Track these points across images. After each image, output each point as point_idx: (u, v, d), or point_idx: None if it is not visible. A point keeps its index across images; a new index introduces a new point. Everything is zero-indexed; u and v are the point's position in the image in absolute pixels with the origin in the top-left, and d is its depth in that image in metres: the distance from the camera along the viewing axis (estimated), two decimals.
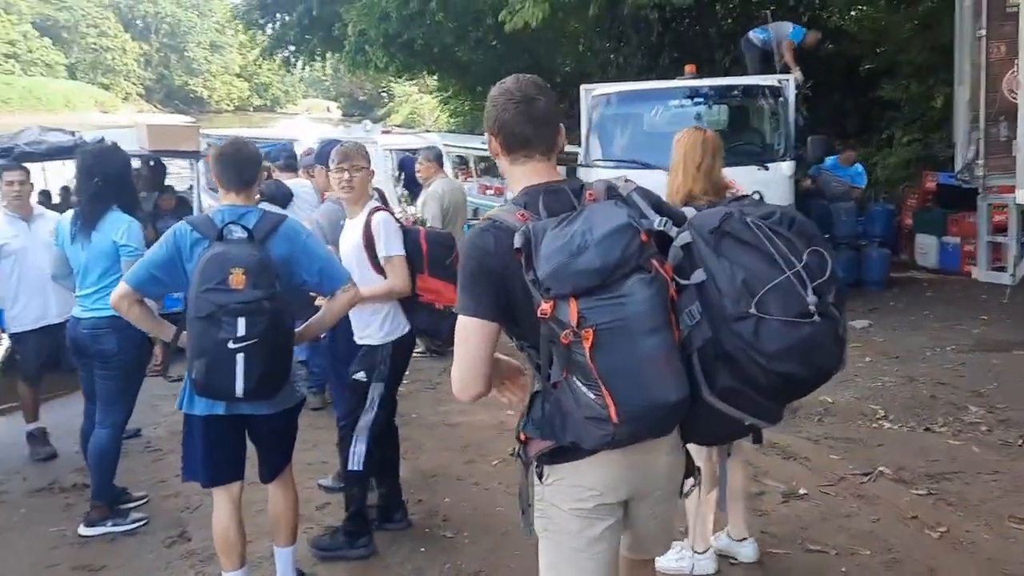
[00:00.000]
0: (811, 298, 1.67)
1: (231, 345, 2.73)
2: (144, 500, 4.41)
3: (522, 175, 1.94)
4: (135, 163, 7.19)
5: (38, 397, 5.17)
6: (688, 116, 8.23)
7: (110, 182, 4.04)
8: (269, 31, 23.30)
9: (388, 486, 4.00)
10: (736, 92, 8.30)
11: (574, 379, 1.68)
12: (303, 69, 26.79)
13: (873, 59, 13.27)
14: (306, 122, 41.57)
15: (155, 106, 74.26)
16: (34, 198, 5.36)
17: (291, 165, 6.44)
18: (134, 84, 76.10)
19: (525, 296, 1.75)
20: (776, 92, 7.82)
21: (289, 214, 3.75)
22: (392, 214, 3.72)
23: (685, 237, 1.79)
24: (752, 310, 1.66)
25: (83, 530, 4.05)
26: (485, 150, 10.28)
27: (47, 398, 5.52)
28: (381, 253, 3.55)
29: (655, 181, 7.44)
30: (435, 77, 24.63)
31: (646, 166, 7.59)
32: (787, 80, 7.95)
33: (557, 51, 20.12)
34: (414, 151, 11.77)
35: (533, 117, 1.90)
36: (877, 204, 10.45)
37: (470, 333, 1.84)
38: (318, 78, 78.03)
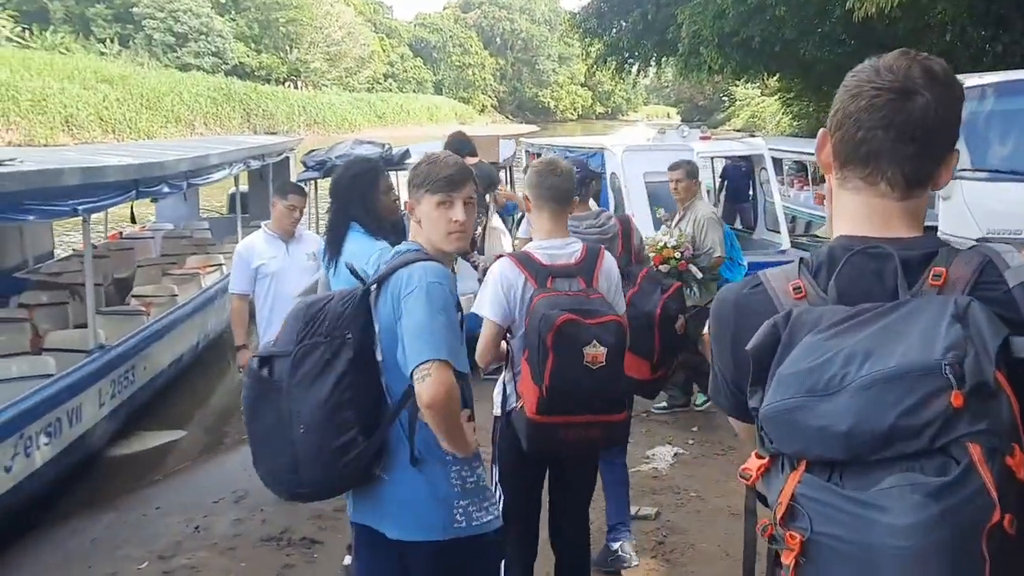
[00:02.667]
0: None
1: None
2: None
3: (847, 212, 1.18)
4: None
5: None
6: None
7: (343, 202, 3.70)
8: (606, 39, 23.52)
9: None
10: None
11: None
12: (637, 75, 26.73)
13: None
14: (644, 128, 41.85)
15: (507, 116, 79.86)
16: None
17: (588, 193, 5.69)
18: (489, 97, 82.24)
19: None
20: None
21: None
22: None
23: None
24: None
25: None
26: None
27: None
28: None
29: None
30: (775, 78, 23.22)
31: None
32: None
33: (919, 43, 17.79)
34: (740, 159, 10.80)
35: (897, 121, 1.11)
36: None
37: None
38: (660, 85, 78.73)
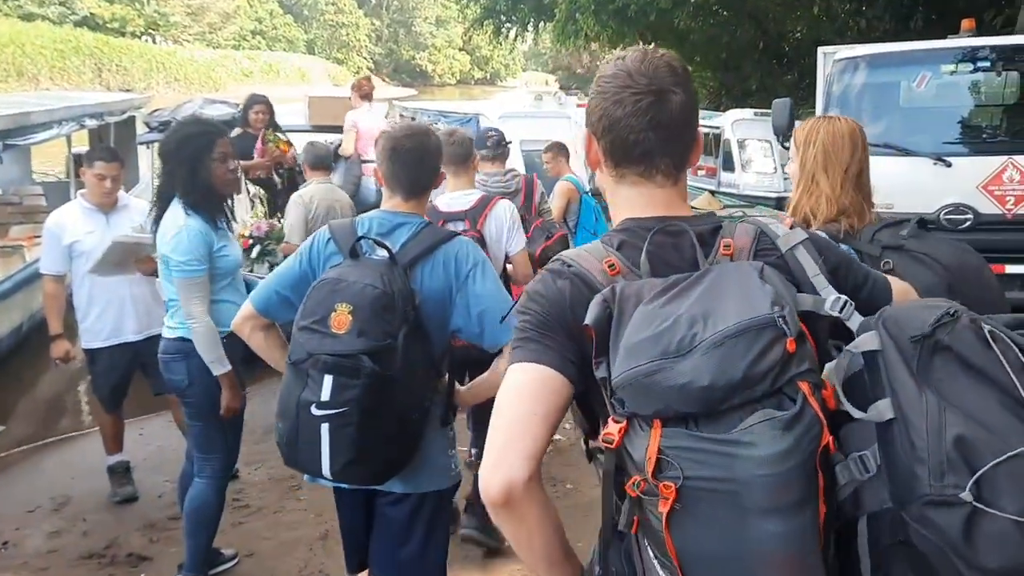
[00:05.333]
0: None
1: (315, 411, 2.07)
2: (235, 561, 3.60)
3: (628, 201, 1.34)
4: (300, 140, 6.60)
5: (119, 426, 4.40)
6: (963, 87, 6.41)
7: (171, 167, 3.20)
8: (483, 1, 23.08)
9: None
10: None
11: (645, 543, 1.14)
12: (515, 40, 26.43)
13: None
14: (522, 94, 41.63)
15: (384, 79, 77.96)
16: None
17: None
18: (365, 59, 79.99)
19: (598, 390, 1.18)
20: None
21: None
22: None
23: (871, 340, 1.12)
24: (965, 494, 0.98)
25: None
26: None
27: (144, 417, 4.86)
28: None
29: (915, 173, 5.69)
30: (651, 47, 23.35)
31: (905, 152, 5.98)
32: None
33: (788, 16, 18.25)
34: None
35: (661, 121, 1.27)
36: None
37: (523, 386, 1.22)
38: (538, 51, 78.75)
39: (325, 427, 2.07)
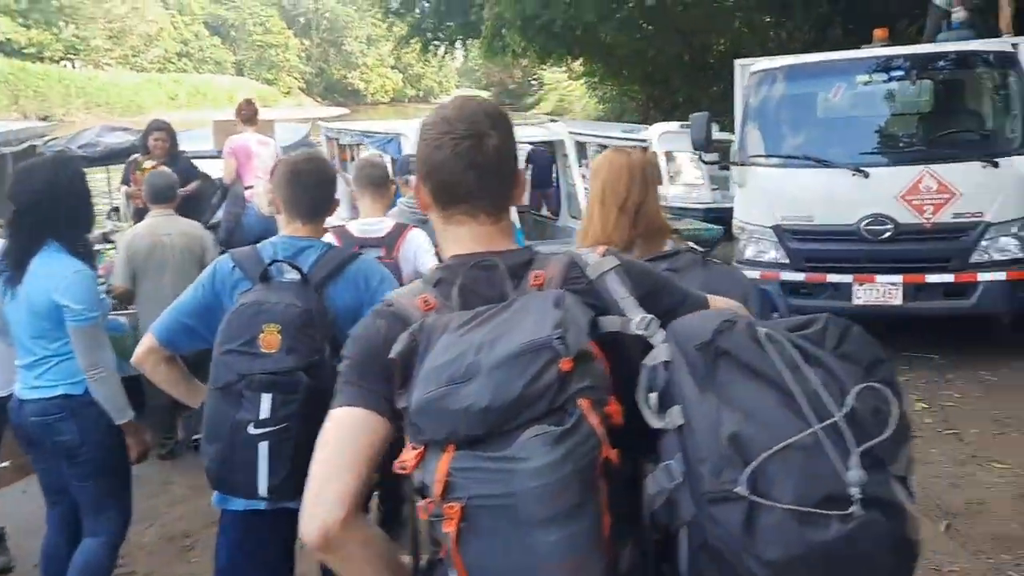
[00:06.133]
0: (853, 473, 1.04)
1: (252, 430, 2.10)
2: None
3: (454, 239, 1.41)
4: (208, 166, 6.31)
5: None
6: (878, 97, 6.45)
7: (33, 209, 2.88)
8: (409, 19, 22.94)
9: None
10: (946, 63, 6.37)
11: (447, 567, 1.15)
12: (444, 57, 26.32)
13: None
14: None
15: (315, 99, 77.05)
16: None
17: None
18: (296, 79, 79.01)
19: None
20: (1005, 60, 5.91)
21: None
22: None
23: (662, 352, 1.21)
24: (740, 488, 1.04)
25: None
26: (621, 139, 8.82)
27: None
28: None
29: (834, 184, 5.64)
30: (579, 62, 23.49)
31: (823, 163, 5.96)
32: (1020, 44, 5.96)
33: (711, 28, 18.49)
34: (544, 144, 10.52)
35: (479, 162, 1.35)
36: None
37: (336, 430, 1.27)
38: (470, 68, 78.85)
39: (264, 445, 2.10)
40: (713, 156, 6.85)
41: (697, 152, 7.32)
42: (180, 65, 65.15)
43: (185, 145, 7.47)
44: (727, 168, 10.75)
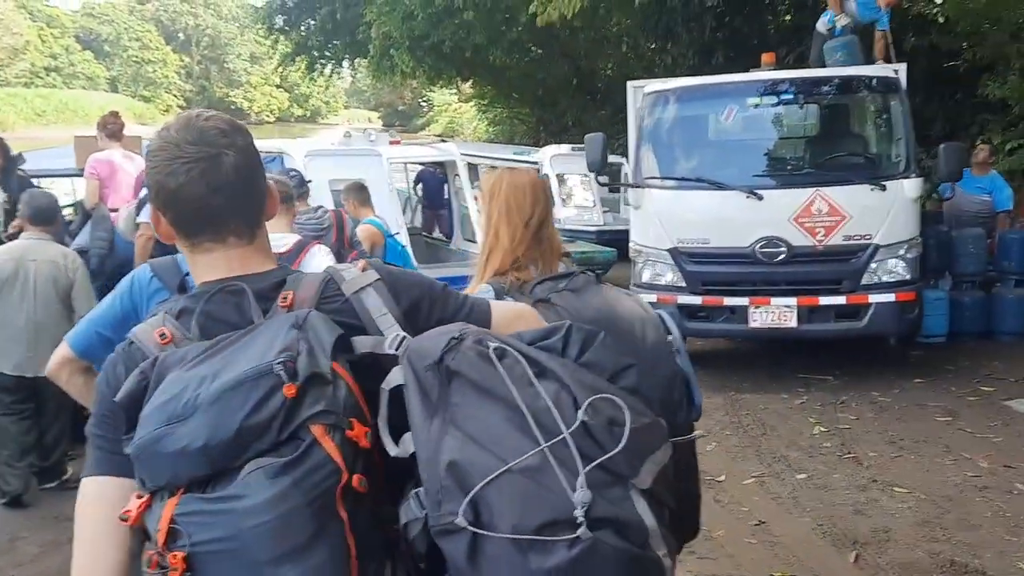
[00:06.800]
0: (579, 494, 1.00)
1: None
2: None
3: (205, 267, 1.29)
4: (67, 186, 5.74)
5: None
6: (767, 119, 6.49)
7: None
8: (294, 36, 22.35)
9: None
10: (832, 87, 6.48)
11: None
12: (331, 76, 25.80)
13: (969, 52, 11.29)
14: (344, 132, 41.24)
15: None
16: None
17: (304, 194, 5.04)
18: (175, 96, 76.22)
19: None
20: (888, 85, 6.05)
21: None
22: None
23: (397, 375, 1.15)
24: (459, 520, 1.01)
25: None
26: (514, 160, 8.97)
27: None
28: None
29: (728, 206, 5.62)
30: (468, 84, 23.44)
31: (717, 185, 5.92)
32: (900, 70, 6.11)
33: (598, 53, 18.79)
34: (435, 165, 10.28)
35: (219, 184, 1.23)
36: (1012, 231, 7.99)
37: (85, 507, 1.18)
38: (359, 88, 78.16)
39: None
40: (605, 179, 6.73)
41: (591, 175, 7.22)
42: (48, 80, 61.79)
43: (45, 163, 6.84)
44: (617, 191, 10.87)
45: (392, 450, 1.11)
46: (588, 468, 1.02)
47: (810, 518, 4.08)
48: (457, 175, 9.22)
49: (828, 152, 6.40)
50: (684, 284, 5.97)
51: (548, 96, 20.30)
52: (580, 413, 1.05)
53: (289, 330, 1.11)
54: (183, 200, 1.23)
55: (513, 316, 1.44)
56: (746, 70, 6.92)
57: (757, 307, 5.82)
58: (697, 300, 5.97)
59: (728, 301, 5.90)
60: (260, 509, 1.01)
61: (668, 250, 6.00)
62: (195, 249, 1.28)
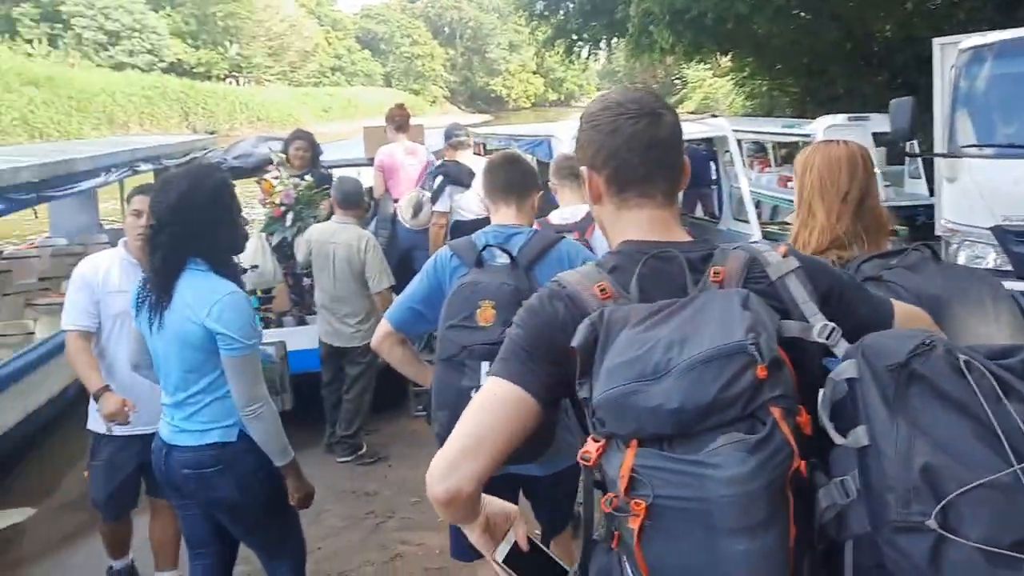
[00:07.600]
0: None
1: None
2: None
3: (631, 224, 1.40)
4: (360, 175, 6.09)
5: (124, 532, 3.69)
6: None
7: (169, 223, 2.56)
8: (553, 21, 22.69)
9: None
10: None
11: (624, 559, 1.19)
12: (588, 58, 25.94)
13: None
14: None
15: (459, 107, 78.70)
16: None
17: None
18: (441, 88, 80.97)
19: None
20: None
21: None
22: None
23: (849, 368, 1.15)
24: (930, 522, 1.02)
25: None
26: (784, 134, 8.44)
27: None
28: None
29: None
30: (728, 57, 22.46)
31: None
32: None
33: (875, 14, 17.07)
34: (701, 141, 9.83)
35: (659, 139, 1.37)
36: None
37: (492, 402, 1.30)
38: (612, 69, 78.53)
39: None
40: (914, 147, 5.98)
41: (900, 143, 6.48)
42: (334, 79, 68.14)
43: (337, 155, 7.34)
44: (901, 162, 9.76)
45: (838, 439, 1.13)
46: None
47: None
48: (727, 151, 8.74)
49: None
50: (1010, 268, 5.15)
51: (816, 64, 18.86)
52: None
53: (743, 311, 1.16)
54: (624, 154, 1.36)
55: (911, 317, 1.45)
56: None
57: None
58: None
59: None
60: (735, 481, 1.06)
61: (990, 228, 5.19)
62: (623, 205, 1.40)
